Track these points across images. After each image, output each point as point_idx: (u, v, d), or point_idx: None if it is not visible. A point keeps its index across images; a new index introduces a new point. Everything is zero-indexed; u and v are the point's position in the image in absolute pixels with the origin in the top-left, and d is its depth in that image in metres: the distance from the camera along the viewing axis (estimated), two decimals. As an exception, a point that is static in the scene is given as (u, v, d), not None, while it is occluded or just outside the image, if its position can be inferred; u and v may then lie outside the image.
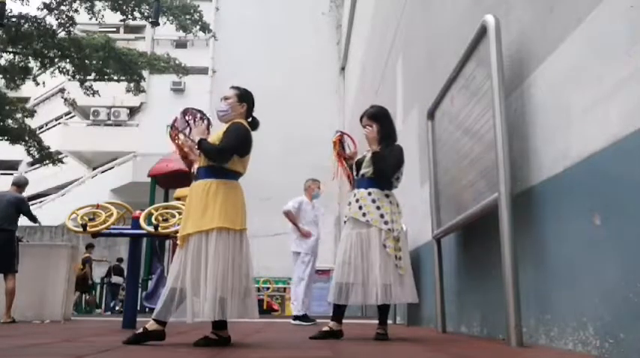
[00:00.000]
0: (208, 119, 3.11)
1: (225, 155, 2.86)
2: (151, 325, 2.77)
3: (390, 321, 6.07)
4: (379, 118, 3.48)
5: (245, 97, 3.05)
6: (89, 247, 12.55)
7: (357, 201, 3.35)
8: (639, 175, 1.85)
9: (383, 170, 3.35)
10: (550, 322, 2.44)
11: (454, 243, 4.04)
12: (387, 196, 3.36)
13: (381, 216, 3.27)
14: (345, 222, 3.44)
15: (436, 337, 3.51)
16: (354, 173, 3.50)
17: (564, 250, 2.35)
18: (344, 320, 3.40)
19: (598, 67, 2.13)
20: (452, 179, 3.66)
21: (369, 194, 3.34)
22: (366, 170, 3.39)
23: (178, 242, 2.84)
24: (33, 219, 6.50)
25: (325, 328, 3.35)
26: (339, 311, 3.39)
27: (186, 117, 3.07)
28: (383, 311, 3.35)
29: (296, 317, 5.79)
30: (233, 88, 3.08)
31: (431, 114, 4.22)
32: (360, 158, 3.51)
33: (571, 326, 2.25)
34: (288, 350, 2.70)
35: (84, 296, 12.88)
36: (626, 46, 1.95)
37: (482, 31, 2.94)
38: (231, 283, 2.70)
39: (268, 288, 15.35)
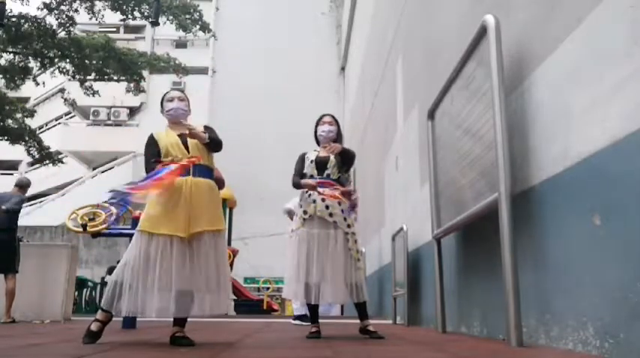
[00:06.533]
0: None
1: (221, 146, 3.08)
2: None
3: (389, 321, 6.07)
4: (337, 122, 3.82)
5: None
6: None
7: (324, 200, 3.43)
8: (639, 175, 1.85)
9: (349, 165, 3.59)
10: (550, 322, 2.44)
11: (454, 243, 4.03)
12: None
13: (344, 219, 3.44)
14: (303, 218, 3.47)
15: (436, 337, 3.50)
16: (317, 172, 3.58)
17: (564, 250, 2.35)
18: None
19: (598, 67, 2.13)
20: (452, 179, 3.66)
21: None
22: (332, 171, 3.54)
23: (181, 234, 2.77)
24: (10, 213, 6.08)
25: (313, 329, 3.47)
26: (316, 312, 3.56)
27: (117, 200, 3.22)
28: (362, 307, 3.47)
29: (296, 317, 5.79)
30: (182, 91, 3.29)
31: (431, 114, 4.21)
32: (322, 157, 3.61)
33: (571, 326, 2.25)
34: (288, 350, 2.70)
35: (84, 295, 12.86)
36: (626, 46, 1.95)
37: (483, 31, 2.94)
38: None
39: (268, 288, 15.36)
